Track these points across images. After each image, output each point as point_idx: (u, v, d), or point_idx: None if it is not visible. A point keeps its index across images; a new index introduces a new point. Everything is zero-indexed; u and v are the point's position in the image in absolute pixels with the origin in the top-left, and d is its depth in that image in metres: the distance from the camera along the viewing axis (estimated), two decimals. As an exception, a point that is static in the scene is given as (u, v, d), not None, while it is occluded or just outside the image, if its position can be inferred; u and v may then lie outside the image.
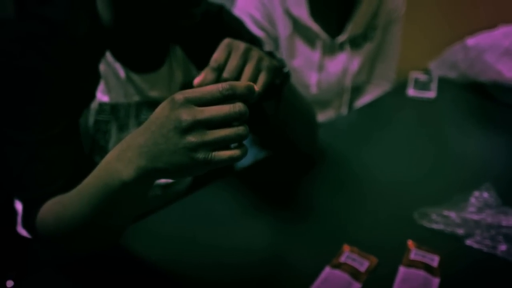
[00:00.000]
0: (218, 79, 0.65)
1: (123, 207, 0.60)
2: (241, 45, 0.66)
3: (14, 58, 0.70)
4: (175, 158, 0.49)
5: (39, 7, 0.77)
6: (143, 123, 0.79)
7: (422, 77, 1.35)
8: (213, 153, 0.48)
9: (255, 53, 0.66)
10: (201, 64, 0.87)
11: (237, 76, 0.65)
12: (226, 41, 0.67)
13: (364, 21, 1.20)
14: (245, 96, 0.50)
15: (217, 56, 0.65)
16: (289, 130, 0.90)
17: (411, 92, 1.29)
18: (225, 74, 0.65)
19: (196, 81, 0.65)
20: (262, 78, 0.66)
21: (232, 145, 0.51)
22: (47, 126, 0.71)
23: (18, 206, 0.92)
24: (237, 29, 0.90)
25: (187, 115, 0.48)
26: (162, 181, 0.93)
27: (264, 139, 0.96)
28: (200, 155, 0.48)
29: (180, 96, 0.49)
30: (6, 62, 0.70)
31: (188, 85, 0.88)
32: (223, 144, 0.49)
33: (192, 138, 0.48)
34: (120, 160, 0.54)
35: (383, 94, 1.31)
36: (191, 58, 0.87)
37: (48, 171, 0.70)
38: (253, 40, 0.90)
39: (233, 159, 0.49)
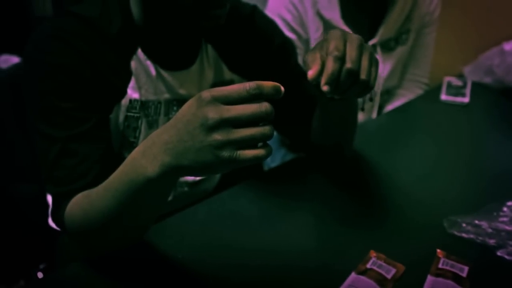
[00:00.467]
0: (341, 69, 0.62)
1: (148, 203, 0.61)
2: (354, 37, 0.64)
3: (48, 55, 0.72)
4: (200, 155, 0.49)
5: (73, 5, 0.78)
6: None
7: (455, 81, 1.32)
8: (238, 152, 0.49)
9: (367, 46, 0.65)
10: (233, 63, 0.88)
11: (359, 67, 0.63)
12: (339, 31, 0.65)
13: (396, 24, 1.18)
14: (272, 96, 0.50)
15: (337, 45, 0.62)
16: (342, 128, 0.88)
17: (444, 97, 1.26)
18: (349, 64, 0.62)
19: (312, 72, 0.63)
20: (373, 70, 0.65)
21: (258, 144, 0.51)
22: (78, 122, 0.72)
23: (50, 198, 0.94)
24: (270, 30, 0.90)
25: (213, 113, 0.48)
26: (190, 179, 0.94)
27: (302, 139, 0.95)
28: (225, 153, 0.48)
29: (207, 93, 0.49)
30: (41, 58, 0.72)
31: (218, 84, 0.88)
32: (248, 143, 0.49)
33: (217, 136, 0.48)
34: (145, 156, 0.54)
35: (415, 98, 1.29)
36: (223, 58, 0.87)
37: (77, 166, 0.71)
38: (285, 42, 0.90)
39: (258, 158, 0.49)
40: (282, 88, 0.50)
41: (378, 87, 1.23)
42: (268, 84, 0.49)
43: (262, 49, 0.88)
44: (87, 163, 0.72)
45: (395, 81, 1.28)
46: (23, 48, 0.74)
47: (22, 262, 1.44)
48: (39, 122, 0.73)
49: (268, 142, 0.51)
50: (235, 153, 0.48)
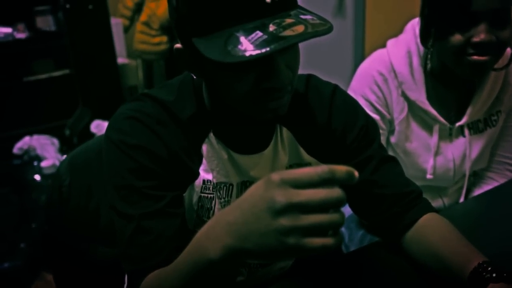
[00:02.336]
0: None
1: (212, 285, 0.59)
2: None
3: (126, 135, 0.75)
4: (264, 240, 0.47)
5: (153, 89, 0.83)
6: None
7: (552, 166, 1.23)
8: (305, 239, 0.46)
9: None
10: (311, 146, 0.86)
11: None
12: None
13: (485, 106, 1.14)
14: (345, 182, 0.47)
15: None
16: None
17: (538, 182, 1.18)
18: None
19: None
20: None
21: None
22: (153, 200, 0.74)
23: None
24: (351, 112, 0.87)
25: (281, 196, 0.46)
26: None
27: (385, 228, 0.90)
28: (291, 240, 0.46)
29: (276, 176, 0.48)
30: (119, 139, 0.75)
31: (294, 167, 0.86)
32: (316, 230, 0.46)
33: (284, 221, 0.46)
34: (208, 237, 0.53)
35: (506, 182, 1.21)
36: (300, 140, 0.85)
37: (151, 244, 0.72)
38: (367, 124, 0.88)
39: (326, 248, 0.46)
40: (356, 174, 0.48)
41: (466, 170, 1.17)
42: (341, 169, 0.47)
43: (343, 131, 0.85)
44: (161, 241, 0.72)
45: (484, 163, 1.21)
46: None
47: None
48: (115, 200, 0.75)
49: (345, 221, 0.48)
50: (301, 241, 0.46)
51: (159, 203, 0.74)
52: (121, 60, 3.21)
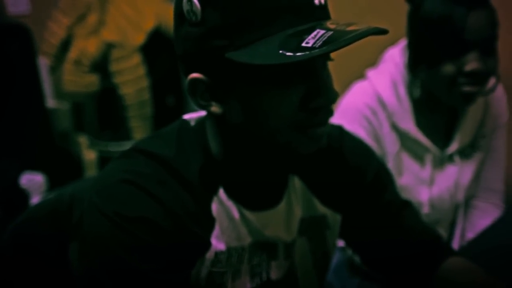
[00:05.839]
0: None
1: None
2: None
3: (123, 206, 0.60)
4: None
5: (144, 141, 0.68)
6: (255, 267, 0.66)
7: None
8: None
9: None
10: (325, 195, 0.75)
11: None
12: None
13: (472, 130, 1.10)
14: None
15: None
16: None
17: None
18: None
19: None
20: None
21: None
22: (160, 286, 0.60)
23: None
24: (363, 155, 0.78)
25: None
26: None
27: (398, 278, 0.81)
28: None
29: None
30: (114, 210, 0.60)
31: (307, 220, 0.75)
32: None
33: None
34: None
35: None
36: (313, 190, 0.75)
37: None
38: (381, 164, 0.80)
39: None
40: None
41: (460, 198, 1.12)
42: None
43: (357, 175, 0.77)
44: None
45: (474, 190, 1.17)
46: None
47: None
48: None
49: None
50: None
51: None
52: (50, 103, 2.96)
